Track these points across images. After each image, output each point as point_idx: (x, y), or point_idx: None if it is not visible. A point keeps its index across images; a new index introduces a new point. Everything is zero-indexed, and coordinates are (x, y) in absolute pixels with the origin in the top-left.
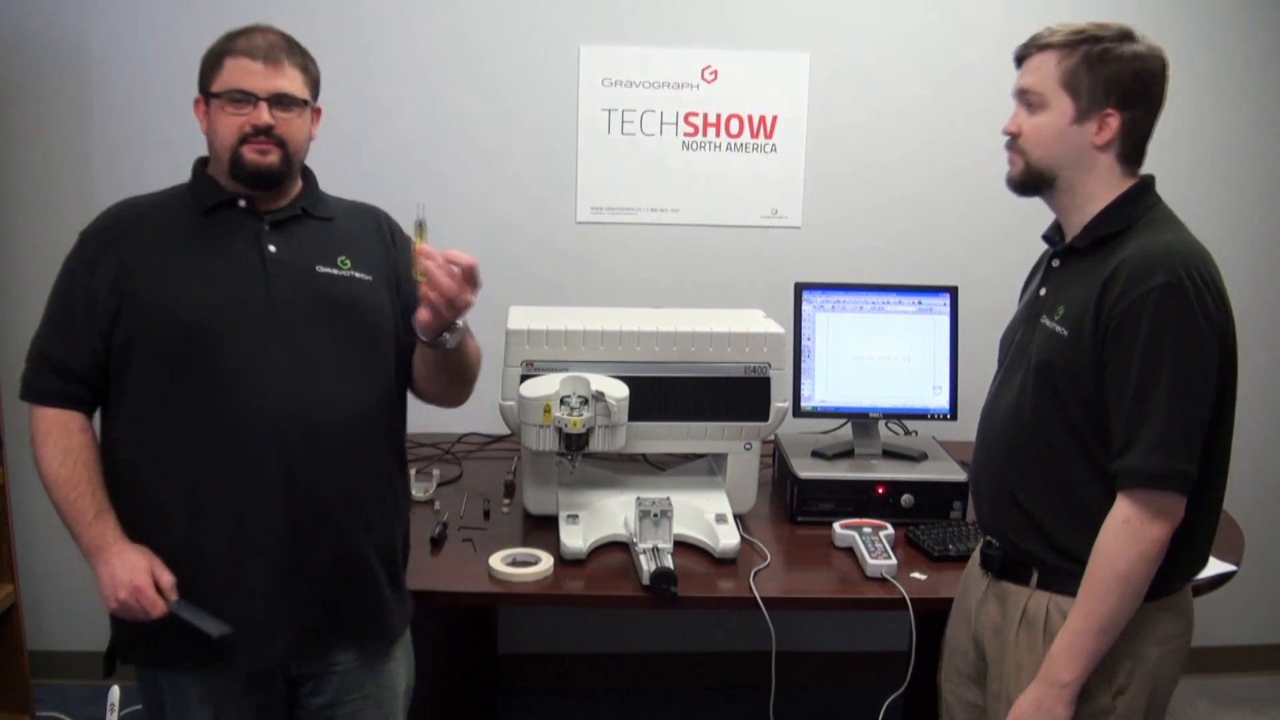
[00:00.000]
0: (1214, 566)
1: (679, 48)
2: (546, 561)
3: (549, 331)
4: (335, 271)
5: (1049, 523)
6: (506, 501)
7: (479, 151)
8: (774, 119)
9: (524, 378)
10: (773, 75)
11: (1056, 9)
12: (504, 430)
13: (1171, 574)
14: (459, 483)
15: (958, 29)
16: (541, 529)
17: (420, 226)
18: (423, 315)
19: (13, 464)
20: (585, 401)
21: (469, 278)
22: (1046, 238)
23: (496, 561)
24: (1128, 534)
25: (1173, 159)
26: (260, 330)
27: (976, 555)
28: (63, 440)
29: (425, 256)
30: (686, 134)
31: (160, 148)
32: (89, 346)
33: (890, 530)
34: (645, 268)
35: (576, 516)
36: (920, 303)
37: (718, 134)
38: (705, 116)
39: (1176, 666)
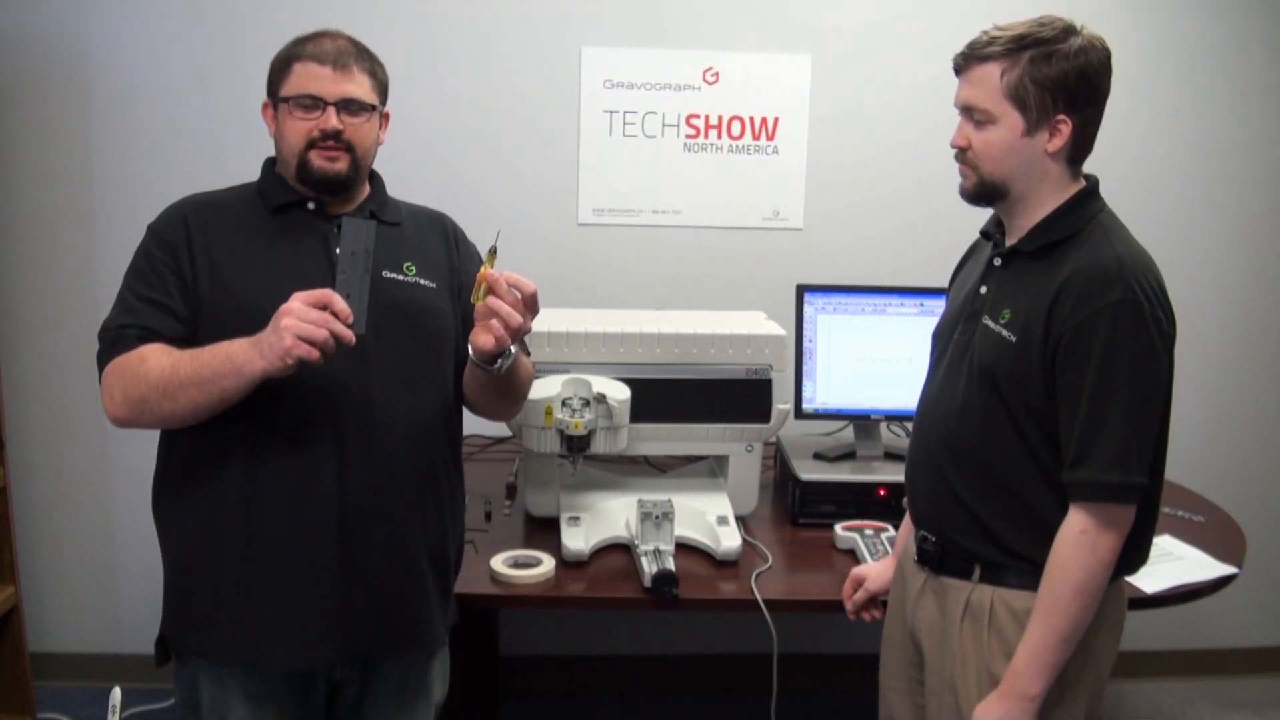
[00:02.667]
0: (1215, 569)
1: (680, 49)
2: (548, 563)
3: (550, 333)
4: (401, 278)
5: (992, 521)
6: (508, 503)
7: (480, 154)
8: (775, 121)
9: None
10: (774, 77)
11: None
12: (505, 432)
13: (1117, 568)
14: None
15: (961, 30)
16: (543, 531)
17: (492, 253)
18: (478, 338)
19: (14, 464)
20: (587, 403)
21: (529, 304)
22: (985, 233)
23: (498, 563)
24: (1085, 545)
25: (1171, 155)
26: None
27: (910, 550)
28: (163, 349)
29: (491, 283)
30: (688, 136)
31: (160, 148)
32: (181, 316)
33: (892, 532)
34: (647, 269)
35: (578, 518)
36: (922, 304)
37: (719, 136)
38: (707, 118)
39: (1114, 650)
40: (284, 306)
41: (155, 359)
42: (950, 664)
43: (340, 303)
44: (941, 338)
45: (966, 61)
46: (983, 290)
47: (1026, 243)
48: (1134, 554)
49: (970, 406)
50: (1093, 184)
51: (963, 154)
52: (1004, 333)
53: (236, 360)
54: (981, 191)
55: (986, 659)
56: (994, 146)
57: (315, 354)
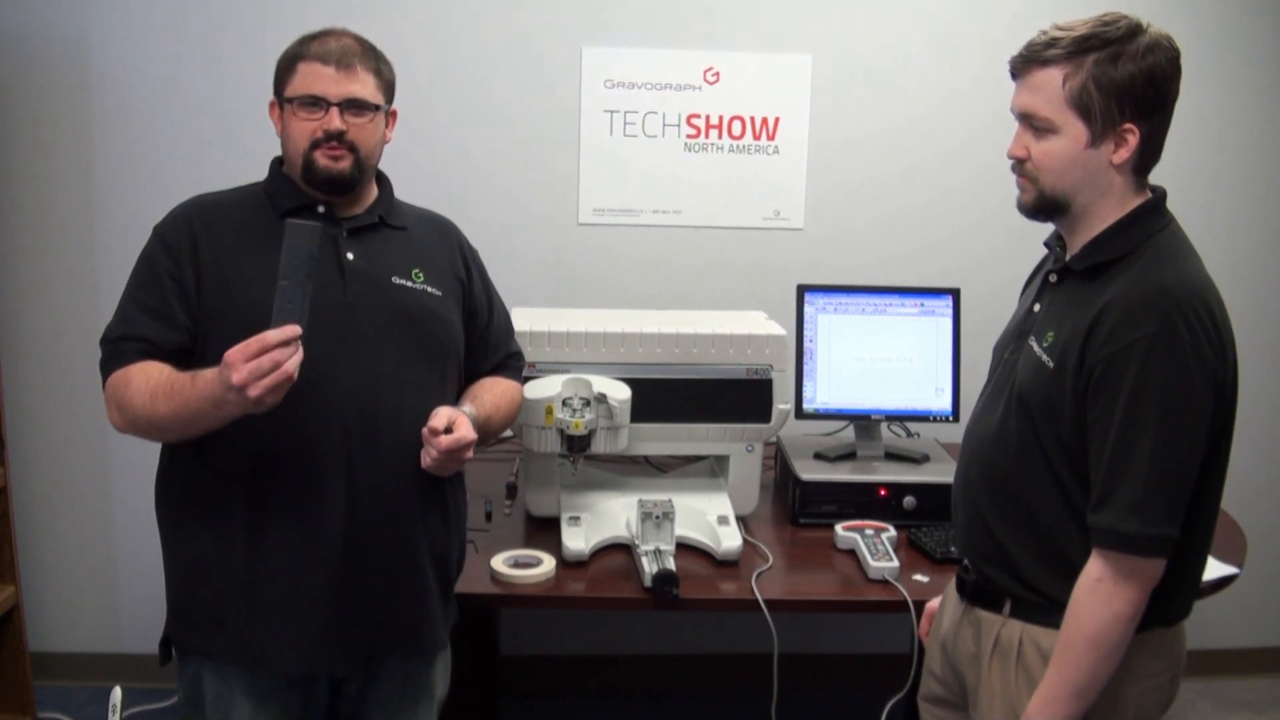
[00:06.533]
0: (1215, 569)
1: (681, 49)
2: (548, 563)
3: (551, 333)
4: (409, 284)
5: (1018, 555)
6: (508, 503)
7: (481, 153)
8: (776, 121)
9: (526, 379)
10: (775, 77)
11: (1064, 9)
12: (505, 432)
13: (1151, 616)
14: None
15: (961, 30)
16: (543, 531)
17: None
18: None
19: (14, 464)
20: (587, 403)
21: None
22: (1048, 244)
23: (498, 563)
24: (1101, 595)
25: (1178, 155)
26: (333, 337)
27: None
28: (142, 373)
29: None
30: (688, 136)
31: (160, 148)
32: (179, 325)
33: (892, 532)
34: (647, 269)
35: (578, 518)
36: (922, 305)
37: (720, 136)
38: (707, 118)
39: (1157, 705)
40: (224, 371)
41: (136, 386)
42: (983, 698)
43: (275, 336)
44: (996, 355)
45: (1025, 65)
46: (1035, 308)
47: (1077, 261)
48: (1169, 605)
49: (1006, 433)
50: (1157, 198)
51: (1020, 165)
52: (1044, 357)
53: (211, 415)
54: (1041, 206)
55: (1012, 697)
56: (1055, 158)
57: (285, 390)
